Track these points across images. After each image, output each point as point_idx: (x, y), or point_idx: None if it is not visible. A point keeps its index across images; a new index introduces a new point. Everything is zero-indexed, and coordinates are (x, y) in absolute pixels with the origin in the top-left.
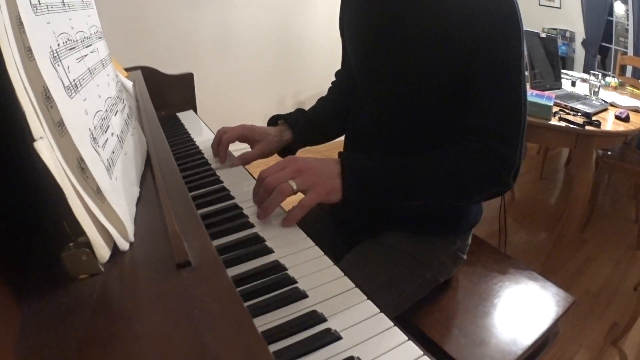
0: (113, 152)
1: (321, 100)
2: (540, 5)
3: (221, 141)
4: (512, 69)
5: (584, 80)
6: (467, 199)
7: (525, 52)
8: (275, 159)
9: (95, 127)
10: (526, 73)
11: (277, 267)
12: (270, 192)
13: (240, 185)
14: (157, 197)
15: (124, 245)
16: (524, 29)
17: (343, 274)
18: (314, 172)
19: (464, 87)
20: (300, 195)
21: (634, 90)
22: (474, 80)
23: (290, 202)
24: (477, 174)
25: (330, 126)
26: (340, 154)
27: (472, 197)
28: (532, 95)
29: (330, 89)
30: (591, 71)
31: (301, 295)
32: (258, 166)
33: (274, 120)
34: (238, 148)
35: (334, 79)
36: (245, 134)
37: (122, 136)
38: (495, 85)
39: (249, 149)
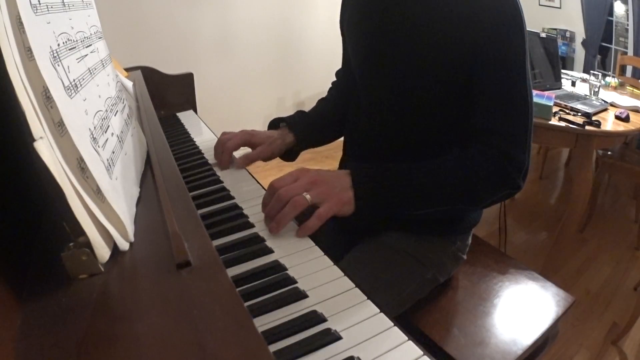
0: (113, 152)
1: (321, 101)
2: (540, 5)
3: (224, 149)
4: (517, 68)
5: (584, 80)
6: (479, 204)
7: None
8: (277, 162)
9: (95, 127)
10: None
11: (277, 267)
12: (284, 204)
13: (240, 185)
14: (157, 197)
15: (124, 245)
16: None
17: (343, 274)
18: (327, 185)
19: (466, 87)
20: None
21: (634, 90)
22: (478, 80)
23: None
24: (487, 178)
25: (332, 127)
26: (349, 165)
27: (483, 201)
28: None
29: (330, 89)
30: (591, 71)
31: (301, 295)
32: (259, 166)
33: (275, 124)
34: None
35: (334, 78)
36: (246, 139)
37: (122, 136)
38: (500, 85)
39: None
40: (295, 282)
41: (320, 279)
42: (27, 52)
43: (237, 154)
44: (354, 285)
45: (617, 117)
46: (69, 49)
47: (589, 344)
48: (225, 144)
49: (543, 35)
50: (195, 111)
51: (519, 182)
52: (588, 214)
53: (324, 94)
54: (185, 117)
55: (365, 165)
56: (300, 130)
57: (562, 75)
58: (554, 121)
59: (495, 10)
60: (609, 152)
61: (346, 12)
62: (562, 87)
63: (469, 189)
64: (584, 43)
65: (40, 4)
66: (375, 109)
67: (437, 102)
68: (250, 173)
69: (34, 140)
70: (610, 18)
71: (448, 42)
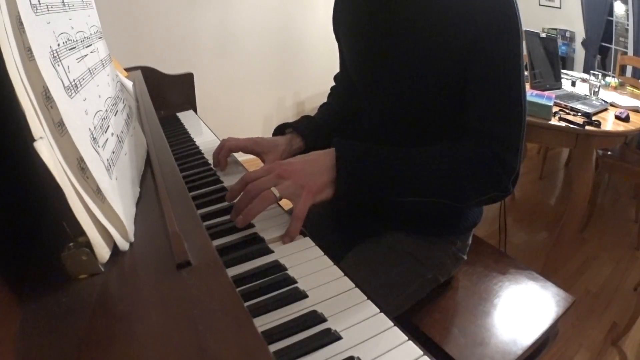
0: (113, 152)
1: (324, 106)
2: (540, 5)
3: (223, 146)
4: (511, 69)
5: (584, 80)
6: (464, 202)
7: (525, 52)
8: None
9: (95, 127)
10: (526, 73)
11: (277, 267)
12: (252, 198)
13: None
14: (157, 197)
15: (124, 245)
16: (524, 29)
17: (343, 274)
18: (299, 175)
19: (463, 88)
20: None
21: (634, 90)
22: (473, 81)
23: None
24: (476, 177)
25: (337, 132)
26: (333, 141)
27: (469, 199)
28: (532, 95)
29: (329, 94)
30: (591, 71)
31: (301, 295)
32: (259, 165)
33: (280, 130)
34: (244, 157)
35: (333, 78)
36: (249, 146)
37: (122, 136)
38: (494, 86)
39: (254, 158)
40: (295, 282)
41: (320, 279)
42: (27, 52)
43: (241, 159)
44: (354, 285)
45: (617, 117)
46: (69, 49)
47: (589, 344)
48: (225, 143)
49: (543, 35)
50: (195, 111)
51: (508, 185)
52: (588, 214)
53: (324, 94)
54: (185, 117)
55: (350, 142)
56: (308, 135)
57: (562, 75)
58: (554, 121)
59: (491, 8)
60: (609, 152)
61: (340, 17)
62: (562, 87)
63: (457, 185)
64: (584, 43)
65: (40, 4)
66: (375, 110)
67: (437, 102)
68: None
69: (34, 140)
70: (610, 18)
71: (444, 41)
